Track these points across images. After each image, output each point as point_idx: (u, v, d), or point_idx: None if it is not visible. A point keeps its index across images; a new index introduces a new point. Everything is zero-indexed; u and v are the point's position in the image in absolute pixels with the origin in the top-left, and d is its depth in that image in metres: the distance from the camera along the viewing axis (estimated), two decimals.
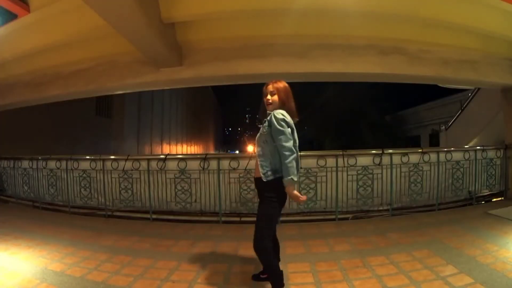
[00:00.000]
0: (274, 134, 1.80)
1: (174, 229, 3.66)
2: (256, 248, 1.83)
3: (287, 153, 1.74)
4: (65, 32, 3.69)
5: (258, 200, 1.96)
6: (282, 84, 1.95)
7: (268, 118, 1.87)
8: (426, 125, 16.16)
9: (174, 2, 3.23)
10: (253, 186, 3.99)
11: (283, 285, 1.88)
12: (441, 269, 2.27)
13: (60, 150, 8.26)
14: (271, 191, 1.84)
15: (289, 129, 1.81)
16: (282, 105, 1.91)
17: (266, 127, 1.86)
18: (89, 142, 11.22)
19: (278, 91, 1.92)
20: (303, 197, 1.83)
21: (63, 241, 3.14)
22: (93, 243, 3.09)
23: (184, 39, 3.90)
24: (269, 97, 1.93)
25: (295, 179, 1.75)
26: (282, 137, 1.76)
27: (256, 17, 3.69)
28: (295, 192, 1.79)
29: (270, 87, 1.94)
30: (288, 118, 1.85)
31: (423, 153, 4.26)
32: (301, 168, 3.87)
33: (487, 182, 4.66)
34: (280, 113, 1.83)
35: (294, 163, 1.75)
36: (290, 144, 1.76)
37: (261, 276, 2.14)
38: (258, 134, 1.95)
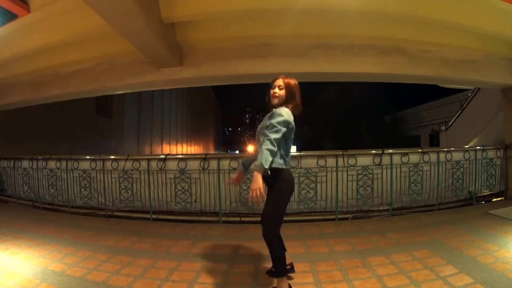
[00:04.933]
0: (268, 126, 1.82)
1: (174, 229, 3.66)
2: (266, 236, 1.85)
3: (268, 143, 1.73)
4: (65, 32, 3.69)
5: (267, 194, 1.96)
6: (292, 82, 1.97)
7: (270, 113, 1.90)
8: (426, 125, 16.15)
9: (174, 2, 3.23)
10: None
11: (285, 273, 1.92)
12: (441, 269, 2.27)
13: (60, 150, 8.28)
14: (277, 181, 1.86)
15: (284, 129, 1.81)
16: (286, 102, 1.94)
17: (268, 121, 1.88)
18: (89, 142, 11.22)
19: (287, 87, 1.94)
20: (259, 196, 1.71)
21: (63, 241, 3.14)
22: (93, 243, 3.09)
23: (184, 39, 3.90)
24: (276, 90, 1.95)
25: (266, 167, 1.70)
26: (272, 133, 1.77)
27: (256, 17, 3.69)
28: (260, 181, 1.70)
29: (280, 81, 1.96)
30: (290, 119, 1.86)
31: (423, 153, 4.25)
32: (301, 168, 3.94)
33: (487, 182, 4.66)
34: (285, 112, 1.84)
35: (269, 156, 1.71)
36: (276, 137, 1.76)
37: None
38: (259, 127, 1.99)
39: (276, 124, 1.79)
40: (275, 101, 1.96)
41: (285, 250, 2.05)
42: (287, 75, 2.04)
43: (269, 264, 2.16)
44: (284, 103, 1.94)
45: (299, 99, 1.99)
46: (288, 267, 2.10)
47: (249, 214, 3.96)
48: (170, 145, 21.37)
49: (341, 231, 3.41)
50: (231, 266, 2.47)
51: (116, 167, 4.34)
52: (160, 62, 3.93)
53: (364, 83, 9.84)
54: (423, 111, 16.63)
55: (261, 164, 1.69)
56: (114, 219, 4.22)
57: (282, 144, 1.88)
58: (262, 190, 1.71)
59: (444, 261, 2.41)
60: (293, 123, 1.89)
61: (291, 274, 2.18)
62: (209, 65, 4.03)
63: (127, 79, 4.29)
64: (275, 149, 1.75)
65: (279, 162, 1.86)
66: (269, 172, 1.75)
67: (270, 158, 1.72)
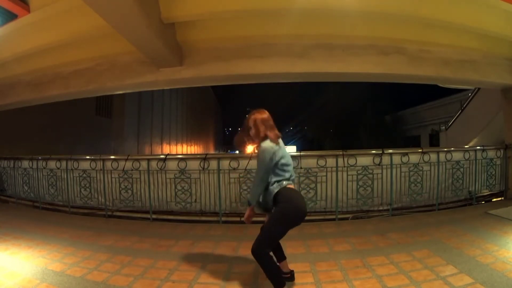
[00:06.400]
0: (257, 162, 1.98)
1: (174, 229, 3.66)
2: (254, 251, 1.86)
3: (256, 182, 1.98)
4: (65, 32, 3.69)
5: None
6: (259, 116, 2.02)
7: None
8: (426, 125, 16.17)
9: (174, 2, 3.22)
10: None
11: (283, 285, 1.88)
12: (441, 269, 2.27)
13: (60, 150, 8.28)
14: (279, 202, 1.90)
15: (268, 165, 1.90)
16: (260, 135, 1.98)
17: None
18: (89, 142, 11.20)
19: (255, 123, 2.01)
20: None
21: (63, 241, 3.14)
22: (93, 243, 3.10)
23: (184, 39, 3.90)
24: (251, 132, 2.04)
25: (251, 203, 2.00)
26: (257, 172, 1.98)
27: (256, 17, 3.69)
28: (248, 213, 2.05)
29: (250, 121, 2.04)
30: (271, 152, 1.90)
31: (423, 153, 4.25)
32: (301, 168, 3.94)
33: (487, 182, 4.66)
34: (263, 149, 1.91)
35: (255, 194, 1.98)
36: (259, 177, 1.94)
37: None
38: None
39: (259, 164, 1.95)
40: (256, 140, 2.03)
41: (284, 258, 2.06)
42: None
43: None
44: (262, 138, 1.97)
45: (268, 130, 1.97)
46: (287, 275, 2.09)
47: None
48: (170, 145, 21.36)
49: (341, 231, 3.42)
50: (231, 266, 2.48)
51: (116, 167, 4.34)
52: (160, 62, 3.93)
53: (364, 83, 9.85)
54: (423, 111, 16.65)
55: (249, 200, 2.02)
56: (114, 219, 4.22)
57: (275, 172, 1.94)
58: (249, 220, 2.08)
59: (444, 261, 2.41)
60: (277, 153, 1.92)
61: (292, 282, 2.13)
62: (209, 65, 4.02)
63: (127, 79, 4.29)
64: (259, 188, 1.96)
65: (273, 187, 1.93)
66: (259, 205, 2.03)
67: (255, 197, 1.98)
